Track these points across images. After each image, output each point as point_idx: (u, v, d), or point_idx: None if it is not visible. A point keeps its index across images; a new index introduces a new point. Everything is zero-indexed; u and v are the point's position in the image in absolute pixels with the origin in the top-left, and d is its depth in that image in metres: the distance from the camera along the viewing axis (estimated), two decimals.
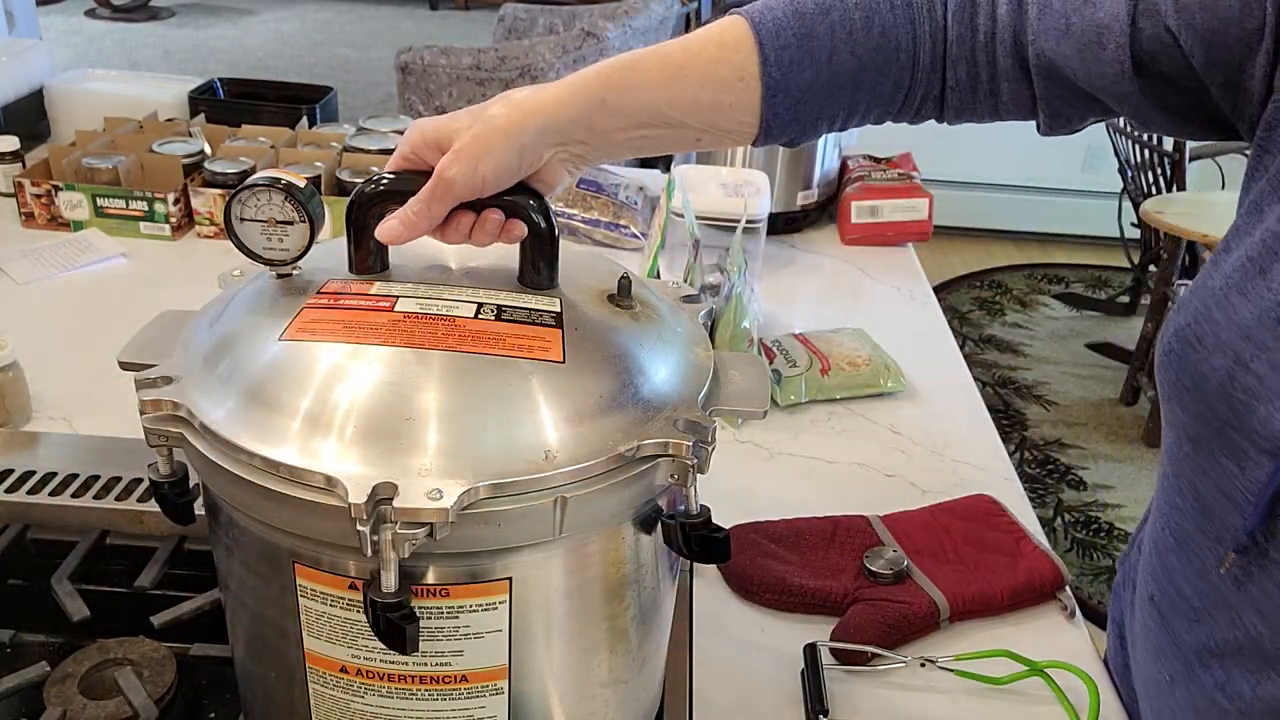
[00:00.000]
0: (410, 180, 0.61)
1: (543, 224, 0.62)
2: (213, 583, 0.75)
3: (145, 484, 0.88)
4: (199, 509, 0.62)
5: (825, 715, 0.76)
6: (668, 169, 1.51)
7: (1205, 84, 0.62)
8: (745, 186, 1.41)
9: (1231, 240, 0.62)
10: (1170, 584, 0.67)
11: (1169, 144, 3.03)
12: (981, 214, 4.08)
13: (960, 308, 3.68)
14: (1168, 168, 3.07)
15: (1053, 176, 4.06)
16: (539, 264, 0.63)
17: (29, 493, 0.87)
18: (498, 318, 0.59)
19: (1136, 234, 3.35)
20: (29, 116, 1.92)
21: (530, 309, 0.60)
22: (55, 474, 0.89)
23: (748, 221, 1.25)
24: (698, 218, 1.24)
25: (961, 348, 1.47)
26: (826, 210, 1.67)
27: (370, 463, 0.50)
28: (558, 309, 0.61)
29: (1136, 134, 3.08)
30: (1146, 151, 3.11)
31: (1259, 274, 0.58)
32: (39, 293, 1.31)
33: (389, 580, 0.50)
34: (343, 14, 6.39)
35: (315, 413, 0.52)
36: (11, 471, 0.90)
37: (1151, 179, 3.12)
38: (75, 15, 6.00)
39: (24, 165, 1.53)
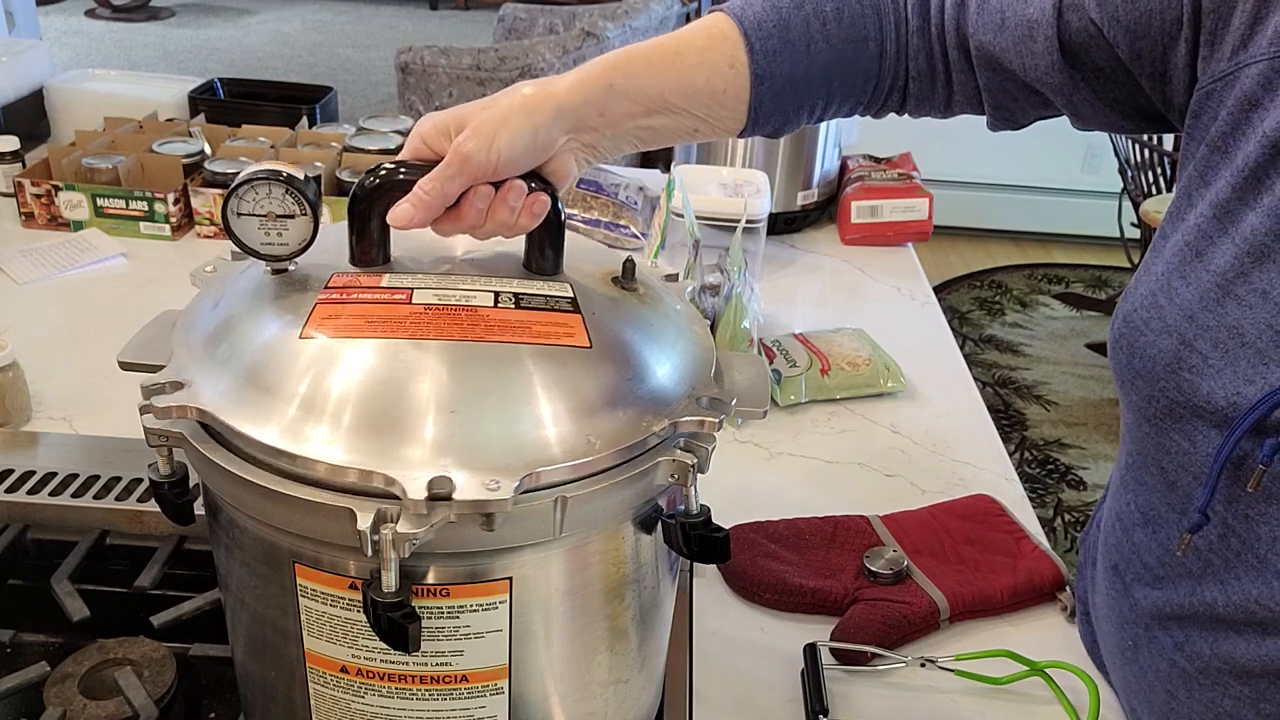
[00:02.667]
0: (417, 170, 0.61)
1: (555, 208, 0.62)
2: (213, 583, 0.75)
3: (145, 484, 0.88)
4: (199, 509, 0.62)
5: (825, 715, 0.76)
6: (668, 169, 1.51)
7: (1134, 75, 0.66)
8: (745, 186, 1.41)
9: (1168, 226, 0.65)
10: (1135, 556, 0.69)
11: (1169, 144, 3.03)
12: (981, 214, 4.08)
13: (960, 308, 3.68)
14: (1168, 168, 3.07)
15: (1053, 176, 4.05)
16: (547, 250, 0.63)
17: (29, 493, 0.87)
18: (517, 305, 0.58)
19: (1136, 234, 3.35)
20: (29, 116, 1.92)
21: (546, 295, 0.60)
22: (55, 474, 0.89)
23: (748, 221, 1.25)
24: (698, 218, 1.24)
25: (961, 348, 1.47)
26: (826, 210, 1.67)
27: (425, 463, 0.50)
28: (571, 294, 0.60)
29: (1136, 134, 3.08)
30: (1146, 151, 3.11)
31: (1196, 258, 0.61)
32: (39, 293, 1.31)
33: (389, 580, 0.50)
34: (343, 14, 6.39)
35: (363, 414, 0.52)
36: (11, 471, 0.90)
37: (1151, 179, 3.12)
38: (75, 15, 6.00)
39: (24, 165, 1.53)
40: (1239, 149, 0.59)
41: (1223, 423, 0.59)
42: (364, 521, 0.49)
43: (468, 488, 0.48)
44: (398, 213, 0.60)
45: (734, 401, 0.57)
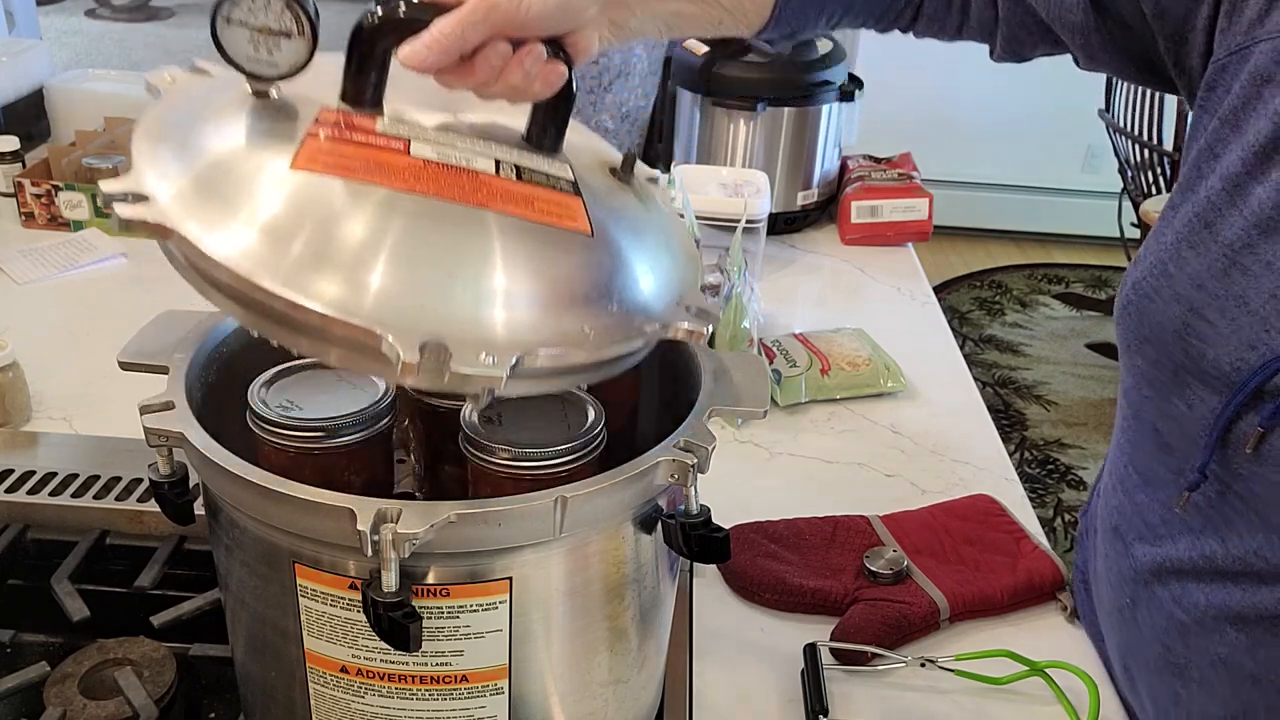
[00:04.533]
0: (435, 9, 0.55)
1: (569, 81, 0.58)
2: (213, 583, 0.75)
3: (145, 484, 0.88)
4: (199, 509, 0.62)
5: (825, 715, 0.76)
6: (668, 169, 1.51)
7: (1154, 32, 0.67)
8: (745, 186, 1.41)
9: (1177, 198, 0.66)
10: (1137, 515, 0.71)
11: (1169, 144, 3.03)
12: (981, 214, 4.08)
13: (960, 308, 3.68)
14: (1168, 168, 3.07)
15: (1053, 176, 4.06)
16: (550, 127, 0.59)
17: (29, 493, 0.87)
18: (519, 178, 0.55)
19: (1136, 234, 3.35)
20: (29, 116, 1.92)
21: (547, 173, 0.56)
22: (55, 474, 0.89)
23: (748, 221, 1.25)
24: (698, 218, 1.24)
25: (961, 348, 1.47)
26: (826, 210, 1.67)
27: (418, 329, 0.46)
28: (572, 176, 0.57)
29: (1136, 134, 3.08)
30: (1146, 151, 3.11)
31: (1205, 228, 0.62)
32: (39, 293, 1.31)
33: (390, 580, 0.50)
34: (343, 14, 6.38)
35: (356, 266, 0.47)
36: (11, 471, 0.90)
37: (1151, 179, 3.12)
38: (75, 15, 6.00)
39: (24, 165, 1.53)
40: (1250, 124, 0.61)
41: (1225, 388, 0.60)
42: (364, 521, 0.49)
43: (462, 358, 0.45)
44: (410, 51, 0.54)
45: (719, 315, 0.57)
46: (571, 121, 0.61)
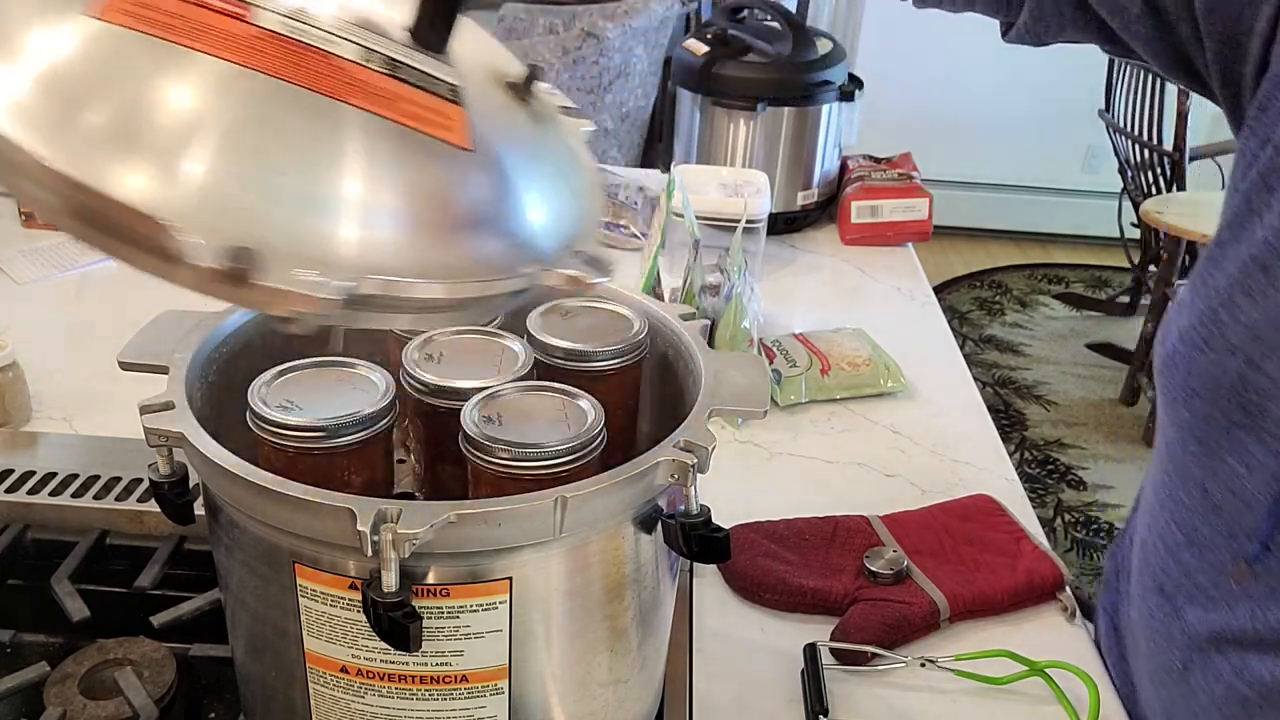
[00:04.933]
0: None
1: None
2: (213, 583, 0.75)
3: (145, 484, 0.88)
4: (199, 509, 0.62)
5: (825, 715, 0.76)
6: (667, 169, 1.51)
7: (1202, 32, 0.58)
8: (745, 186, 1.41)
9: (1226, 235, 0.59)
10: (1185, 577, 0.66)
11: (1169, 144, 3.03)
12: (981, 214, 4.08)
13: (960, 308, 3.68)
14: (1168, 168, 3.07)
15: (1053, 176, 4.06)
16: (437, 19, 0.49)
17: (29, 493, 0.87)
18: (391, 74, 0.46)
19: (1136, 234, 3.35)
20: None
21: (425, 72, 0.47)
22: (55, 474, 0.89)
23: (748, 221, 1.25)
24: (698, 218, 1.24)
25: (961, 348, 1.47)
26: (826, 210, 1.67)
27: (228, 222, 0.39)
28: (456, 81, 0.48)
29: (1136, 134, 3.08)
30: (1146, 151, 3.11)
31: (1263, 272, 0.56)
32: (39, 293, 1.31)
33: (390, 580, 0.50)
34: None
35: (161, 142, 0.39)
36: (11, 471, 0.90)
37: (1151, 179, 3.12)
38: None
39: None
40: None
41: None
42: (364, 521, 0.49)
43: (278, 273, 0.38)
44: None
45: (611, 265, 0.48)
46: (476, 27, 0.52)
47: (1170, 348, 0.62)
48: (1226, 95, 0.60)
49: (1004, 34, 0.69)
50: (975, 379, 1.27)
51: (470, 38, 0.52)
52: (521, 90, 0.53)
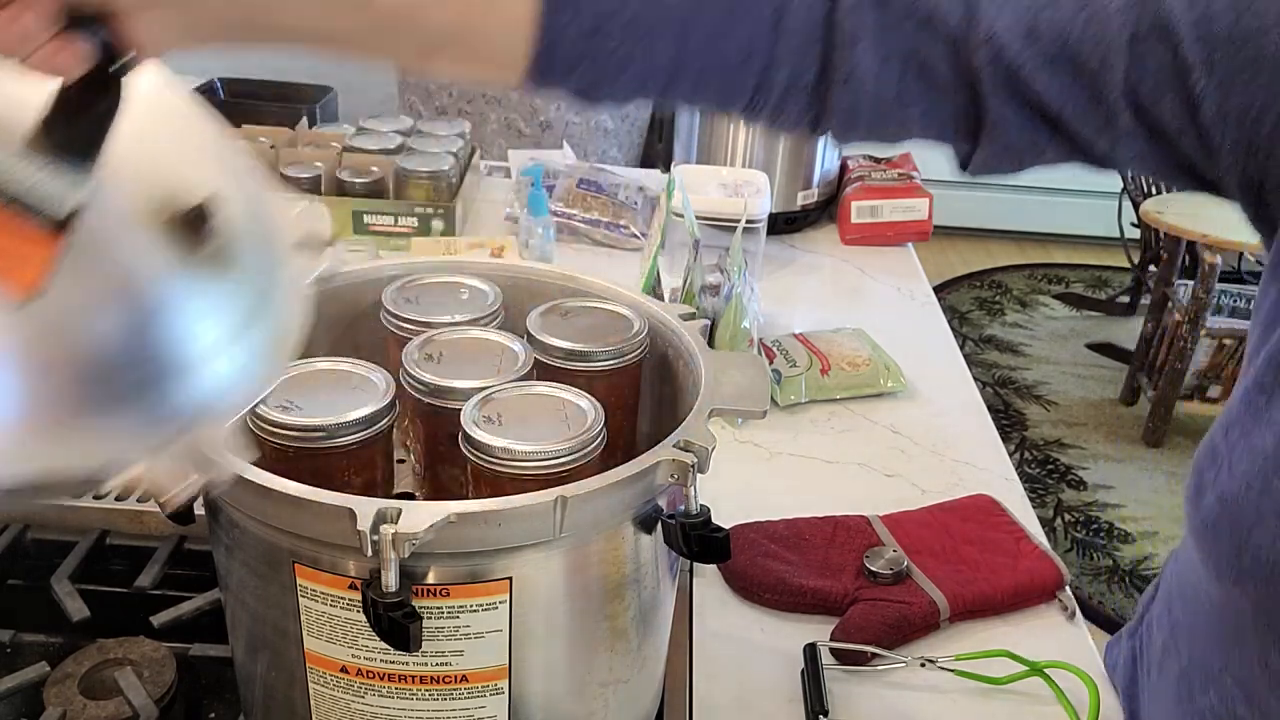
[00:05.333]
0: None
1: (112, 80, 0.40)
2: (213, 583, 0.75)
3: None
4: (199, 509, 0.62)
5: (825, 715, 0.76)
6: (667, 169, 1.51)
7: (1211, 145, 0.51)
8: (745, 186, 1.41)
9: (1268, 379, 0.50)
10: None
11: None
12: (981, 214, 4.08)
13: (960, 308, 3.68)
14: None
15: (1053, 176, 4.02)
16: (76, 126, 0.39)
17: None
18: None
19: (1136, 234, 3.35)
20: None
21: (30, 187, 0.37)
22: None
23: (748, 221, 1.25)
24: (697, 218, 1.24)
25: (961, 348, 1.47)
26: (826, 210, 1.67)
27: None
28: (77, 203, 0.37)
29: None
30: None
31: None
32: None
33: (389, 580, 0.50)
34: None
35: None
36: None
37: (1151, 179, 3.12)
38: None
39: None
40: None
41: None
42: (364, 521, 0.49)
43: None
44: None
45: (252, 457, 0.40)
46: (201, 128, 0.42)
47: (1208, 510, 0.52)
48: (1248, 199, 0.52)
49: (963, 165, 0.58)
50: (975, 379, 1.27)
51: (180, 146, 0.43)
52: (187, 228, 0.42)
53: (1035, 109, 0.52)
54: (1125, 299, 3.67)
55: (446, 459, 0.68)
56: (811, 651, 0.80)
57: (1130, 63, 0.49)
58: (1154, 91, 0.50)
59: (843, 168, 1.69)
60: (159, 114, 0.43)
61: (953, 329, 1.58)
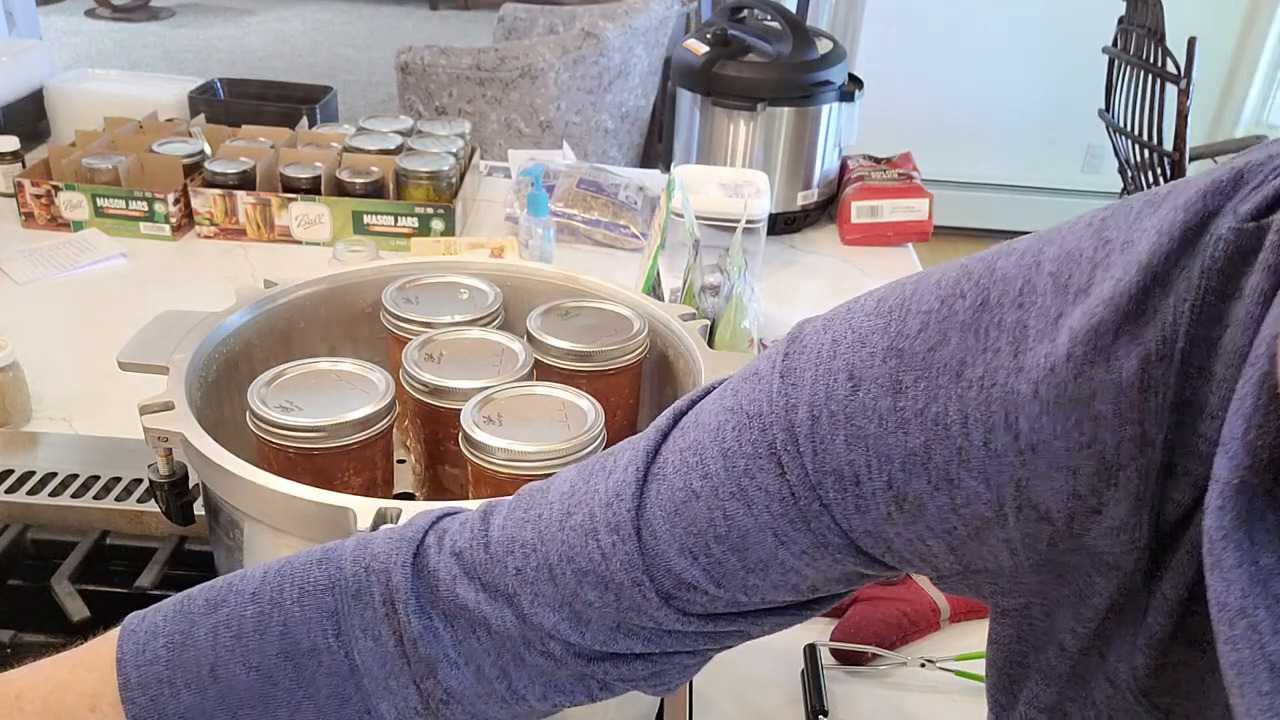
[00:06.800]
0: None
1: None
2: None
3: (145, 484, 0.88)
4: (199, 509, 0.62)
5: (825, 715, 0.76)
6: (668, 169, 1.51)
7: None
8: (745, 186, 1.41)
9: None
10: None
11: (1169, 144, 3.03)
12: (981, 214, 4.08)
13: None
14: (1168, 168, 3.07)
15: (1053, 176, 4.06)
16: None
17: (29, 493, 0.87)
18: None
19: None
20: (29, 116, 1.92)
21: None
22: (55, 474, 0.89)
23: (748, 221, 1.25)
24: (698, 218, 1.24)
25: None
26: (826, 210, 1.67)
27: None
28: None
29: (1136, 134, 3.08)
30: (1146, 151, 3.11)
31: None
32: (39, 293, 1.31)
33: None
34: (343, 14, 6.39)
35: None
36: (11, 471, 0.90)
37: (1151, 179, 3.12)
38: (75, 15, 6.00)
39: (24, 165, 1.53)
40: None
41: None
42: (364, 521, 0.49)
43: None
44: None
45: None
46: None
47: None
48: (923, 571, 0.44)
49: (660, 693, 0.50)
50: None
51: None
52: None
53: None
54: None
55: (446, 459, 0.68)
56: (811, 651, 0.80)
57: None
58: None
59: (843, 168, 1.69)
60: None
61: None
